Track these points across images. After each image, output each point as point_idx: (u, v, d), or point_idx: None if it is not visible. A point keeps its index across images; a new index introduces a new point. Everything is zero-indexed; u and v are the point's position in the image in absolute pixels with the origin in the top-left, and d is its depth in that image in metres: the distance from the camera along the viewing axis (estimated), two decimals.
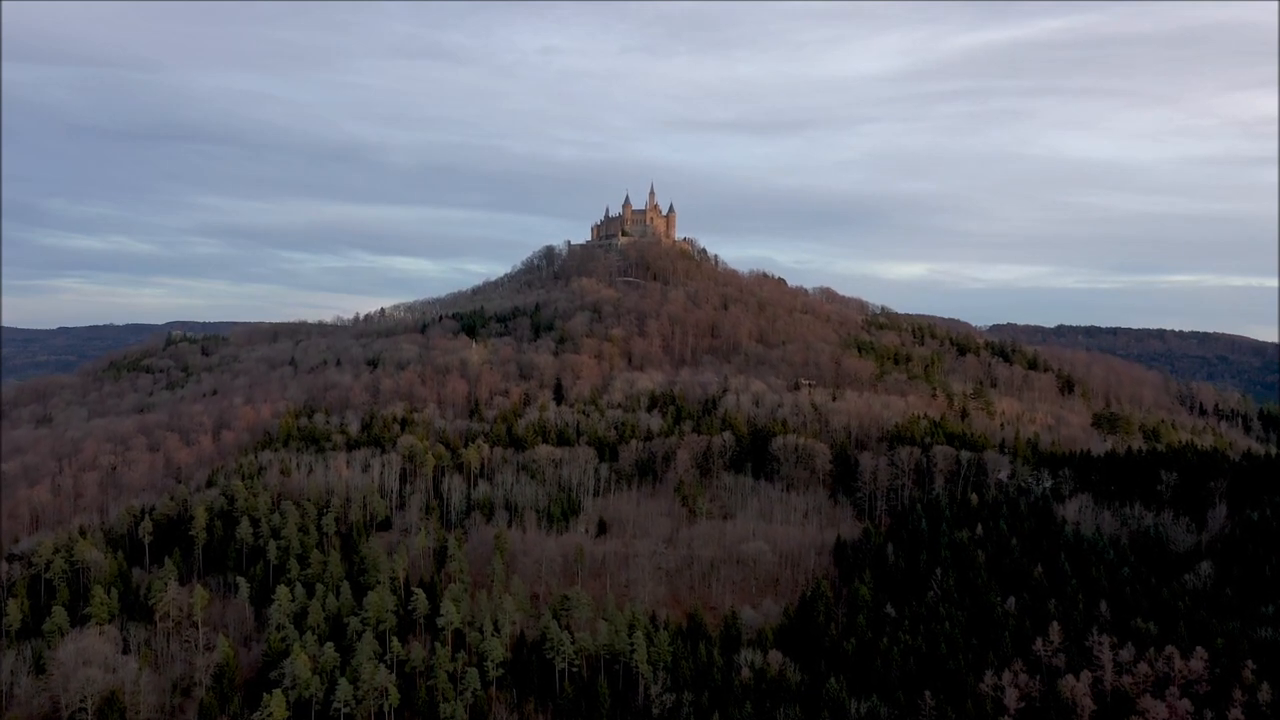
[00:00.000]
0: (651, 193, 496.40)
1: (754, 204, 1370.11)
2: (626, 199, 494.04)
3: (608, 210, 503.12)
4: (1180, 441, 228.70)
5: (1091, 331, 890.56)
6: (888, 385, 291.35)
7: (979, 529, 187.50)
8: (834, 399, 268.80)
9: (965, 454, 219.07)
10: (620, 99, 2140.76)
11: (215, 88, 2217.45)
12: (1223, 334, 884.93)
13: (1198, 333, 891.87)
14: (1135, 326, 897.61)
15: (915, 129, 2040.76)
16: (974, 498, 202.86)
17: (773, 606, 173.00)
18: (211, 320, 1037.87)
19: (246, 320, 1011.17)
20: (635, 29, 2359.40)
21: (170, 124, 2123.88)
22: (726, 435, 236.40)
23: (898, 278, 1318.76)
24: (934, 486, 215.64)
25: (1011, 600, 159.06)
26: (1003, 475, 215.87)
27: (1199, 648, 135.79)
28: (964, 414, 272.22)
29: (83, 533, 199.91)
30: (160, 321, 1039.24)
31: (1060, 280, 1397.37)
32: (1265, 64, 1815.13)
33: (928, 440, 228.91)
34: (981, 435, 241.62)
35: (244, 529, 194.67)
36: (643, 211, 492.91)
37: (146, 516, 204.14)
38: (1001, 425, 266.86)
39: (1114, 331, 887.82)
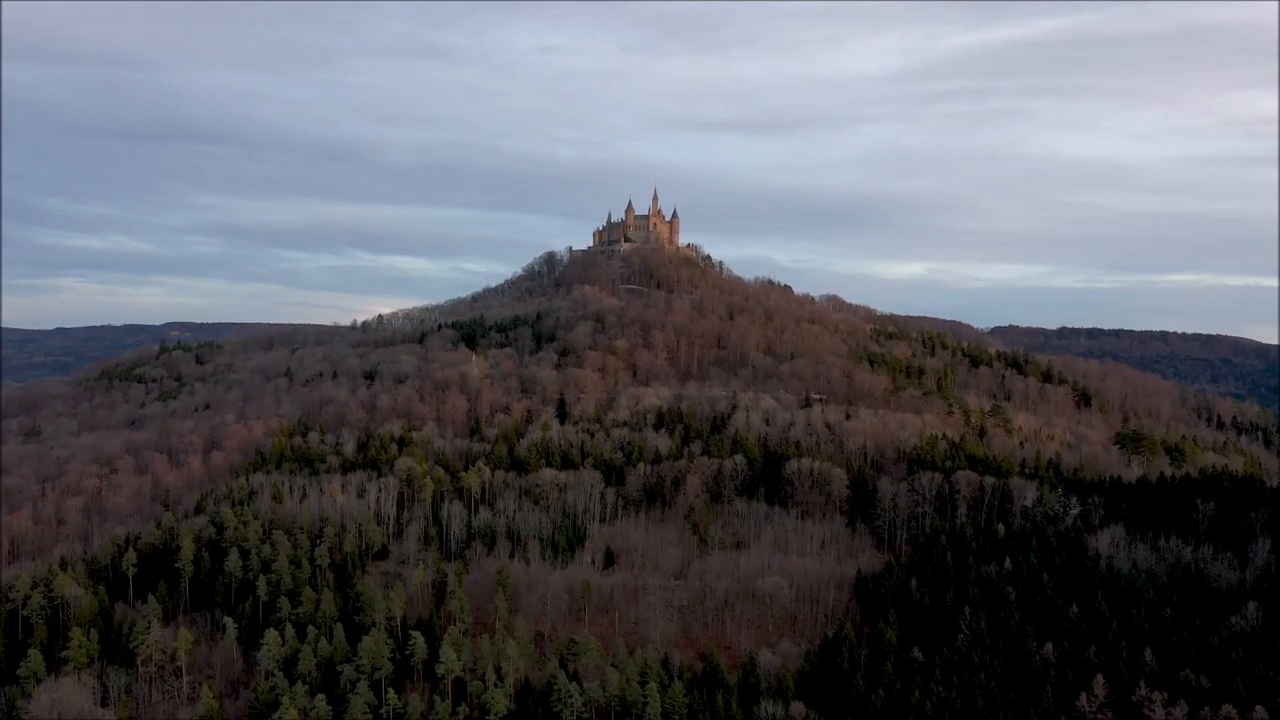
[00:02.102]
0: (655, 197, 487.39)
1: (753, 204, 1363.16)
2: (629, 204, 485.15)
3: (610, 215, 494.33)
4: (1212, 467, 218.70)
5: (1094, 333, 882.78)
6: (902, 401, 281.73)
7: (1007, 562, 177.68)
8: (848, 417, 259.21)
9: (989, 479, 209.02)
10: (618, 98, 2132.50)
11: (213, 87, 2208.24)
12: (1225, 336, 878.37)
13: (1200, 334, 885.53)
14: (1137, 328, 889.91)
15: (914, 128, 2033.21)
16: (1000, 528, 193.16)
17: (792, 649, 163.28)
18: (210, 321, 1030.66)
19: (245, 320, 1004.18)
20: (633, 28, 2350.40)
21: (168, 123, 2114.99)
22: (738, 458, 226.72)
23: (897, 277, 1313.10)
24: (957, 514, 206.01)
25: (1049, 646, 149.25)
26: (1028, 501, 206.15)
27: (1259, 707, 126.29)
28: (982, 432, 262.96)
29: (63, 565, 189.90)
30: (158, 322, 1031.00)
31: (1059, 280, 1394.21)
32: (1263, 64, 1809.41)
33: (949, 464, 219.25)
34: (1003, 457, 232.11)
35: (233, 561, 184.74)
36: (646, 217, 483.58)
37: (131, 547, 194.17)
38: (1021, 444, 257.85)
39: (1116, 333, 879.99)
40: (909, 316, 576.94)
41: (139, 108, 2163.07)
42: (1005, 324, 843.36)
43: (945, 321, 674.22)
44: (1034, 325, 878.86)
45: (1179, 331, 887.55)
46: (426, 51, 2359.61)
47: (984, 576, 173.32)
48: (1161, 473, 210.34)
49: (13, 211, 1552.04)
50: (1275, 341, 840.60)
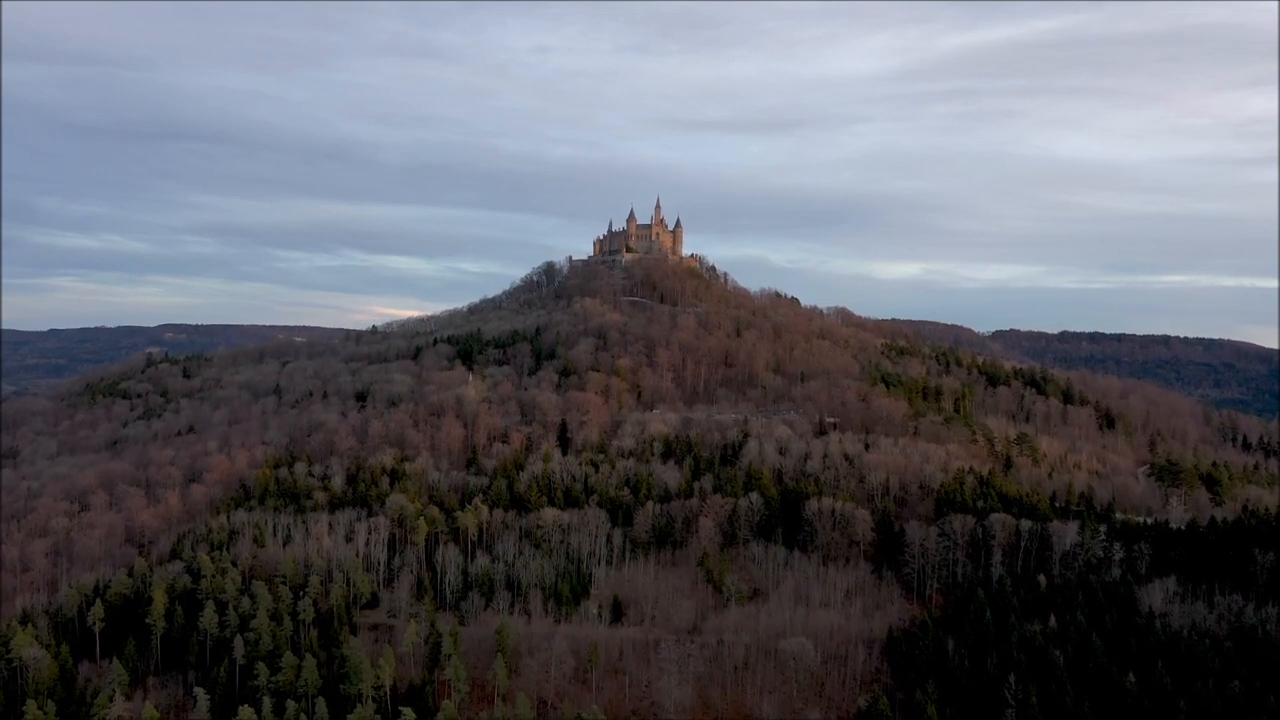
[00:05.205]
0: (657, 206, 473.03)
1: (748, 203, 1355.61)
2: (631, 212, 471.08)
3: (611, 224, 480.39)
4: (1265, 509, 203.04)
5: (1095, 337, 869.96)
6: (922, 428, 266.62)
7: (1051, 620, 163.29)
8: (867, 447, 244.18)
9: (1025, 523, 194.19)
10: (613, 98, 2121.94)
11: (208, 86, 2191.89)
12: (1228, 340, 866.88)
13: (1202, 339, 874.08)
14: (1139, 332, 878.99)
15: (908, 128, 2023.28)
16: (1041, 579, 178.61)
17: None
18: (205, 322, 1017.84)
19: (241, 322, 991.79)
20: (627, 28, 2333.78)
21: (163, 122, 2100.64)
22: (753, 497, 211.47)
23: (893, 277, 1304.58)
24: (992, 560, 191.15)
25: None
26: (1067, 543, 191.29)
27: None
28: (1008, 463, 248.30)
29: (24, 619, 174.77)
30: (153, 324, 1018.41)
31: (1055, 280, 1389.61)
32: (1255, 64, 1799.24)
33: (980, 504, 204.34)
34: (1035, 493, 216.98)
35: (208, 617, 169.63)
36: (648, 226, 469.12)
37: (99, 598, 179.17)
38: (1050, 474, 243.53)
39: (1118, 338, 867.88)
40: (910, 320, 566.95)
41: (135, 107, 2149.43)
42: (1005, 327, 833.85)
43: (946, 326, 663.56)
44: (1034, 329, 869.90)
45: (1181, 336, 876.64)
46: (421, 51, 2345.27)
47: (1027, 637, 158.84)
48: (1212, 517, 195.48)
49: (8, 211, 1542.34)
50: (1276, 345, 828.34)
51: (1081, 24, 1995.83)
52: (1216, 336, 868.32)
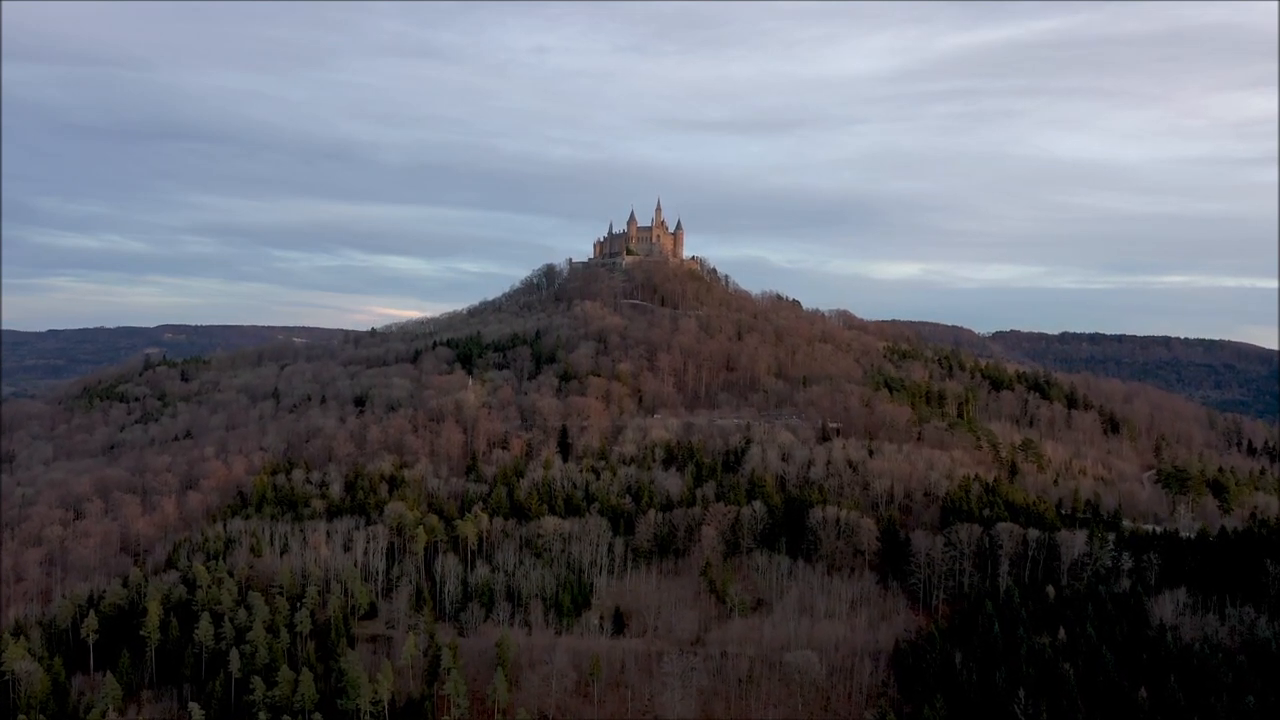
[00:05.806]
0: (658, 208, 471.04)
1: (746, 203, 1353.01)
2: (632, 214, 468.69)
3: (611, 226, 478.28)
4: (1276, 519, 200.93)
5: (1096, 339, 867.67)
6: (926, 434, 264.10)
7: (1061, 633, 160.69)
8: (870, 453, 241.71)
9: (1033, 532, 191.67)
10: (613, 98, 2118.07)
11: (207, 86, 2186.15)
12: (1228, 341, 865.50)
13: (1203, 340, 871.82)
14: (1139, 333, 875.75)
15: (908, 128, 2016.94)
16: (1050, 590, 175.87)
17: None
18: (204, 323, 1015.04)
19: (239, 323, 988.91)
20: (627, 28, 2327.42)
21: (162, 122, 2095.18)
22: (756, 505, 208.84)
23: (892, 277, 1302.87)
24: (999, 570, 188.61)
25: None
26: (1075, 552, 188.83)
27: None
28: (1013, 470, 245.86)
29: (17, 631, 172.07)
30: (152, 324, 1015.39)
31: (1055, 280, 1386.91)
32: (1255, 64, 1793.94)
33: (986, 513, 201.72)
34: (1042, 501, 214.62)
35: (204, 629, 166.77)
36: (648, 228, 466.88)
37: (93, 609, 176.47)
38: (1055, 480, 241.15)
39: (1119, 338, 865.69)
40: (910, 321, 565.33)
41: (134, 107, 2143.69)
42: (1006, 328, 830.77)
43: (947, 327, 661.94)
44: (1035, 330, 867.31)
45: (1181, 336, 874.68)
46: (421, 51, 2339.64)
47: (1036, 650, 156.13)
48: (1222, 527, 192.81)
49: (8, 211, 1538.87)
50: (1276, 346, 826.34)
51: (1081, 24, 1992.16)
52: (1217, 337, 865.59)
